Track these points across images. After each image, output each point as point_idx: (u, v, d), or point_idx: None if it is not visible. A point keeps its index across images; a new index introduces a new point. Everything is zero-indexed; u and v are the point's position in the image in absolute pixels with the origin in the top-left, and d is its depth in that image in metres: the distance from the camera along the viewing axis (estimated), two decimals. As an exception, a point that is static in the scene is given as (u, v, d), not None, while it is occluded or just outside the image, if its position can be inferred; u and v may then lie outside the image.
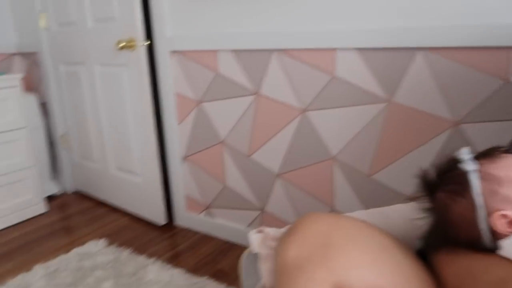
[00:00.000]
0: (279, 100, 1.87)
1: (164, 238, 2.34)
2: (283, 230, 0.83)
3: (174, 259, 2.11)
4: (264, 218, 2.11)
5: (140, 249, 2.19)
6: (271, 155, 1.97)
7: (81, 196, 2.93)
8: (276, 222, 2.06)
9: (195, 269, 2.01)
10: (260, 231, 0.83)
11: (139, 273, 1.96)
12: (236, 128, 2.05)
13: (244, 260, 0.83)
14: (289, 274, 0.64)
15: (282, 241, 0.69)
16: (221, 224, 2.28)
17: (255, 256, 0.82)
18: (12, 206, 2.51)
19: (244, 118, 2.01)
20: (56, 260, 2.08)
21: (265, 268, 0.75)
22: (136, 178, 2.47)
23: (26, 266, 2.07)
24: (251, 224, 2.17)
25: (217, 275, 1.95)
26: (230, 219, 2.25)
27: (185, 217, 2.42)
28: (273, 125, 1.92)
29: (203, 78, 2.11)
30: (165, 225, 2.46)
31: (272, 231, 0.80)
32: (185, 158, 2.31)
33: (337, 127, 1.74)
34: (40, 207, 2.66)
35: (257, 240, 0.80)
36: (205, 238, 2.32)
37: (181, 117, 2.26)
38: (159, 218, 2.43)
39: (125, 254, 2.13)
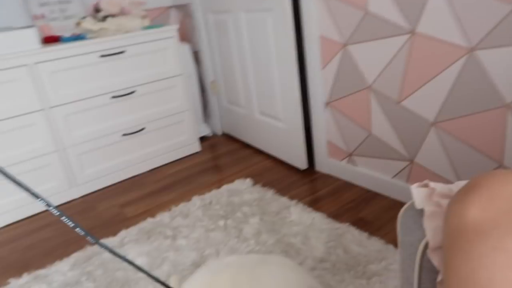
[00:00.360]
0: (440, 38, 1.63)
1: (305, 182, 2.39)
2: (453, 186, 0.72)
3: (314, 203, 2.14)
4: (413, 170, 1.95)
5: (282, 191, 2.29)
6: (426, 101, 1.77)
7: (228, 138, 3.16)
8: (427, 175, 1.89)
9: (336, 215, 2.01)
10: (424, 185, 0.74)
11: (282, 213, 2.05)
12: (386, 72, 1.89)
13: (402, 215, 0.77)
14: (468, 239, 0.55)
15: (459, 199, 0.59)
16: (364, 173, 2.20)
17: (416, 212, 0.74)
18: (172, 145, 2.86)
19: (395, 61, 1.83)
20: (210, 194, 2.32)
21: (430, 226, 0.67)
22: (279, 123, 2.53)
23: (186, 196, 2.37)
24: (397, 175, 2.04)
25: (359, 223, 1.92)
26: (373, 168, 2.15)
27: (326, 163, 2.41)
28: (431, 67, 1.70)
29: (350, 18, 1.96)
30: (306, 170, 2.50)
31: (439, 187, 0.71)
32: (328, 104, 2.25)
33: (516, 68, 1.45)
34: (195, 147, 2.96)
35: (421, 195, 0.72)
36: (347, 185, 2.28)
37: (325, 61, 2.18)
38: (301, 162, 2.47)
39: (269, 194, 2.25)
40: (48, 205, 0.55)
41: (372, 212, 2.02)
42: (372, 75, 1.96)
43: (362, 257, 1.68)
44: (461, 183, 0.73)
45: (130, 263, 0.60)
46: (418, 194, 0.72)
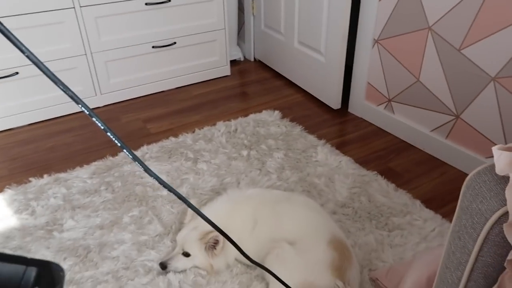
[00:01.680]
0: (528, -22, 1.39)
1: (335, 123, 2.27)
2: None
3: (343, 146, 2.04)
4: (456, 126, 1.81)
5: (311, 129, 2.18)
6: (492, 52, 1.57)
7: (261, 65, 3.00)
8: (472, 134, 1.75)
9: (364, 162, 1.92)
10: (510, 149, 0.62)
11: (308, 151, 1.97)
12: (453, 13, 1.66)
13: (473, 178, 0.66)
14: None
15: None
16: (400, 121, 2.06)
17: (493, 178, 0.63)
18: (202, 65, 2.72)
19: (467, 1, 1.60)
20: (236, 121, 2.23)
21: (514, 196, 0.56)
22: (319, 56, 2.35)
23: (210, 120, 2.29)
24: (436, 129, 1.90)
25: (387, 173, 1.82)
26: (412, 118, 2.01)
27: (361, 106, 2.27)
28: (507, 15, 1.48)
29: None
30: (338, 110, 2.37)
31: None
32: (378, 41, 2.05)
33: None
34: (225, 70, 2.83)
35: (505, 160, 0.60)
36: (379, 132, 2.16)
37: (382, -8, 1.94)
38: (334, 101, 2.33)
39: (297, 130, 2.15)
40: (82, 105, 0.47)
41: (402, 164, 1.91)
42: (436, 15, 1.73)
43: (386, 208, 1.61)
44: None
45: (156, 177, 0.54)
46: (501, 158, 0.61)
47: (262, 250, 1.28)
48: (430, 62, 1.82)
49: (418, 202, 1.63)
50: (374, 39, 2.06)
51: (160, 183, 0.59)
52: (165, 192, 1.71)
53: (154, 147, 2.02)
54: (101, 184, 1.76)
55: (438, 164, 1.90)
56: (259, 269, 1.33)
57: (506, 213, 0.59)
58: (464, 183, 0.68)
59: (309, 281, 1.14)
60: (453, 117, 1.81)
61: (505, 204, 0.59)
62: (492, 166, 0.65)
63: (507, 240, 0.59)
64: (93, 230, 1.52)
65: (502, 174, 0.60)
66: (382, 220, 1.55)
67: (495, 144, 1.68)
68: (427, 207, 1.60)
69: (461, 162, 1.82)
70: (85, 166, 1.89)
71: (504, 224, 0.57)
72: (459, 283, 0.69)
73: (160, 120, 2.32)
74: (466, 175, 1.81)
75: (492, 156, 1.68)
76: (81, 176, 1.81)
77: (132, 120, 2.33)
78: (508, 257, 0.58)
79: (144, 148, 2.01)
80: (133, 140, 2.13)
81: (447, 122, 1.85)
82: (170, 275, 1.32)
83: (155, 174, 0.59)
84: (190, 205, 0.64)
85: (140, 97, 2.59)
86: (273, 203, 1.37)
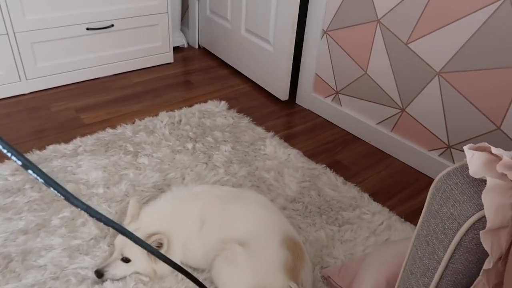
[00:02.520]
0: (474, -25, 1.42)
1: (283, 114, 2.22)
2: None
3: (291, 138, 2.00)
4: (401, 120, 1.83)
5: (258, 120, 2.11)
6: (438, 47, 1.59)
7: (205, 52, 2.86)
8: (416, 127, 1.78)
9: (313, 154, 1.89)
10: (483, 149, 0.58)
11: (256, 144, 1.90)
12: (401, 6, 1.66)
13: (442, 180, 0.62)
14: None
15: None
16: (347, 114, 2.06)
17: (465, 180, 0.59)
18: (143, 50, 2.54)
19: (414, -6, 1.60)
20: (180, 112, 2.10)
21: (492, 203, 0.53)
22: (267, 46, 2.28)
23: (152, 110, 2.14)
24: (382, 122, 1.92)
25: (335, 167, 1.81)
26: (359, 111, 2.01)
27: (309, 98, 2.24)
28: (455, 9, 1.50)
29: None
30: (286, 101, 2.32)
31: (506, 155, 0.56)
32: (327, 32, 2.01)
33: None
34: (168, 57, 2.66)
35: (479, 161, 0.57)
36: (327, 124, 2.14)
37: (331, -19, 1.90)
38: (282, 93, 2.28)
39: (244, 121, 2.07)
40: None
41: (350, 157, 1.91)
42: (385, 8, 1.73)
43: (336, 203, 1.59)
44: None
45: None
46: (474, 159, 0.57)
47: (211, 252, 1.19)
48: (378, 55, 1.82)
49: (366, 196, 1.62)
50: (323, 30, 2.02)
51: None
52: (101, 189, 1.55)
53: (89, 140, 1.83)
54: (26, 181, 1.56)
55: (384, 156, 1.92)
56: (207, 273, 1.24)
57: (481, 219, 0.55)
58: (433, 185, 0.64)
59: (262, 284, 1.07)
60: (399, 111, 1.83)
61: (480, 209, 0.55)
62: (463, 167, 0.62)
63: (480, 247, 0.56)
64: (15, 236, 1.33)
65: (477, 177, 0.56)
66: (332, 215, 1.52)
67: (438, 138, 1.72)
68: (374, 200, 1.61)
69: (405, 155, 1.86)
70: (6, 161, 1.66)
71: (481, 232, 0.53)
72: (425, 289, 0.65)
73: (96, 110, 2.12)
74: (410, 167, 1.85)
75: (435, 149, 1.72)
76: (1, 173, 1.59)
77: (63, 109, 2.11)
78: (484, 267, 0.54)
79: (77, 140, 1.82)
80: (64, 131, 1.92)
81: (393, 115, 1.87)
82: (108, 284, 1.19)
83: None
84: (129, 235, 0.53)
85: (73, 84, 2.35)
86: (222, 201, 1.29)
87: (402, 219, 1.51)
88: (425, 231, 0.65)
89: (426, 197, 1.67)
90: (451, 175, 0.61)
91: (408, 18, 1.65)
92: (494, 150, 0.58)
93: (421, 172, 1.80)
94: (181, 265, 0.88)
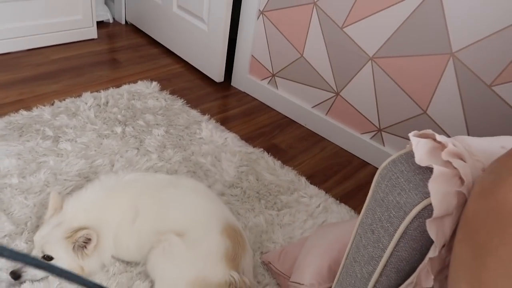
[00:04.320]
0: (406, -38, 1.45)
1: (219, 97, 2.15)
2: (463, 144, 0.57)
3: (227, 122, 1.95)
4: (336, 103, 1.86)
5: (192, 102, 2.03)
6: (371, 32, 1.62)
7: (133, 29, 2.67)
8: (350, 111, 1.82)
9: (249, 138, 1.86)
10: (427, 136, 0.58)
11: (191, 128, 1.82)
12: (336, -11, 1.66)
13: (388, 167, 0.61)
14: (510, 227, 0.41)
15: (501, 177, 0.44)
16: (283, 97, 2.05)
17: (411, 168, 0.59)
18: (61, 24, 2.29)
19: (350, -22, 1.61)
20: (106, 92, 1.94)
21: (438, 190, 0.53)
22: (201, 24, 2.17)
23: (74, 91, 1.95)
24: (317, 106, 1.94)
25: (272, 150, 1.80)
26: (295, 94, 2.01)
27: (245, 80, 2.19)
28: (387, -5, 1.53)
29: None
30: (221, 83, 2.25)
31: (450, 142, 0.56)
32: (263, 12, 1.96)
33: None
34: (91, 32, 2.44)
35: (424, 148, 0.56)
36: (263, 107, 2.12)
37: (268, -40, 1.85)
38: (217, 74, 2.20)
39: (178, 104, 1.97)
40: None
41: (286, 140, 1.91)
42: (320, -10, 1.72)
43: (274, 187, 1.58)
44: (469, 139, 0.59)
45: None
46: (419, 146, 0.56)
47: (146, 244, 1.12)
48: (314, 38, 1.82)
49: (303, 179, 1.64)
50: (259, 10, 1.97)
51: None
52: (15, 179, 1.38)
53: (0, 123, 1.62)
54: None
55: (319, 139, 1.95)
56: (141, 266, 1.16)
57: (426, 207, 0.55)
58: (378, 172, 0.64)
59: (201, 276, 1.02)
60: (334, 94, 1.86)
61: (426, 197, 0.55)
62: (408, 154, 0.61)
63: (424, 234, 0.56)
64: None
65: (422, 165, 0.56)
66: (270, 199, 1.51)
67: (370, 121, 1.78)
68: (311, 183, 1.63)
69: (339, 138, 1.90)
70: None
71: (428, 220, 0.53)
72: (369, 277, 0.65)
73: (6, 89, 1.88)
74: (344, 150, 1.90)
75: (367, 132, 1.77)
76: None
77: (-34, 88, 1.84)
78: (429, 255, 0.55)
79: (-15, 124, 1.60)
80: (-33, 114, 1.68)
81: (328, 99, 1.89)
82: (27, 286, 1.07)
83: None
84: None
85: (-23, 59, 2.06)
86: (157, 190, 1.21)
87: (338, 201, 1.54)
88: (370, 219, 0.64)
89: (359, 178, 1.73)
90: (396, 162, 0.61)
91: (344, 2, 1.65)
92: (438, 137, 0.58)
93: (354, 155, 1.86)
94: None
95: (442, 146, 0.57)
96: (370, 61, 1.67)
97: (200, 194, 1.23)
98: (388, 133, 1.73)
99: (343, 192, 1.63)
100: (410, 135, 0.59)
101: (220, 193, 1.50)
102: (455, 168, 0.54)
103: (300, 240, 1.23)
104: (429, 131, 0.59)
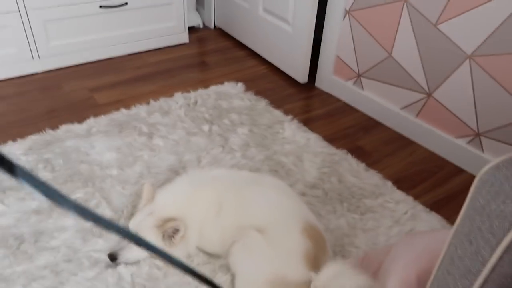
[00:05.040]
0: (515, -51, 1.30)
1: (302, 97, 2.14)
2: None
3: (310, 122, 1.93)
4: (427, 105, 1.74)
5: (276, 103, 2.04)
6: (470, 29, 1.49)
7: (222, 33, 2.79)
8: (443, 114, 1.69)
9: (333, 139, 1.82)
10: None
11: (274, 127, 1.84)
12: (431, -17, 1.56)
13: (489, 173, 0.55)
14: None
15: None
16: (370, 98, 1.97)
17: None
18: (157, 30, 2.47)
19: (447, -30, 1.50)
20: (195, 93, 2.04)
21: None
22: (286, 26, 2.19)
23: (167, 91, 2.08)
24: (407, 107, 1.83)
25: (356, 152, 1.74)
26: (382, 95, 1.93)
27: (329, 81, 2.16)
28: (490, -14, 1.40)
29: None
30: (305, 84, 2.24)
31: None
32: (349, 12, 1.91)
33: None
34: (183, 37, 2.59)
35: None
36: (348, 108, 2.06)
37: (357, -43, 1.80)
38: (301, 75, 2.20)
39: (262, 104, 2.00)
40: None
41: (372, 142, 1.84)
42: (413, -15, 1.62)
43: (357, 189, 1.52)
44: None
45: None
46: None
47: (228, 239, 1.15)
48: (404, 37, 1.73)
49: (389, 183, 1.56)
50: (346, 10, 1.93)
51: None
52: (115, 171, 1.52)
53: (103, 120, 1.80)
54: (39, 161, 1.53)
55: (407, 143, 1.84)
56: (223, 259, 1.20)
57: (539, 217, 0.49)
58: (478, 177, 0.58)
59: (280, 274, 1.03)
60: (425, 95, 1.74)
61: (539, 206, 0.49)
62: (516, 158, 0.55)
63: (536, 247, 0.49)
64: (28, 216, 1.30)
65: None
66: (353, 202, 1.46)
67: (467, 125, 1.63)
68: (398, 188, 1.54)
69: (430, 142, 1.77)
70: (19, 140, 1.64)
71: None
72: (466, 291, 0.59)
73: (109, 90, 2.08)
74: (436, 155, 1.77)
75: (463, 137, 1.63)
76: (14, 152, 1.56)
77: (77, 89, 2.07)
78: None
79: (91, 121, 1.79)
80: (77, 111, 1.88)
81: (418, 100, 1.78)
82: (121, 268, 1.16)
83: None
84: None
85: (86, 63, 2.31)
86: (240, 186, 1.24)
87: (428, 209, 1.44)
88: (467, 228, 0.58)
89: (452, 186, 1.60)
90: (501, 167, 0.54)
91: (440, -4, 1.54)
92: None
93: (447, 160, 1.72)
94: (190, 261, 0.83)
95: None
96: (468, 59, 1.53)
97: (282, 193, 1.23)
98: (489, 138, 1.57)
99: (433, 200, 1.51)
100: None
101: (301, 193, 1.49)
102: None
103: (385, 248, 1.16)
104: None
